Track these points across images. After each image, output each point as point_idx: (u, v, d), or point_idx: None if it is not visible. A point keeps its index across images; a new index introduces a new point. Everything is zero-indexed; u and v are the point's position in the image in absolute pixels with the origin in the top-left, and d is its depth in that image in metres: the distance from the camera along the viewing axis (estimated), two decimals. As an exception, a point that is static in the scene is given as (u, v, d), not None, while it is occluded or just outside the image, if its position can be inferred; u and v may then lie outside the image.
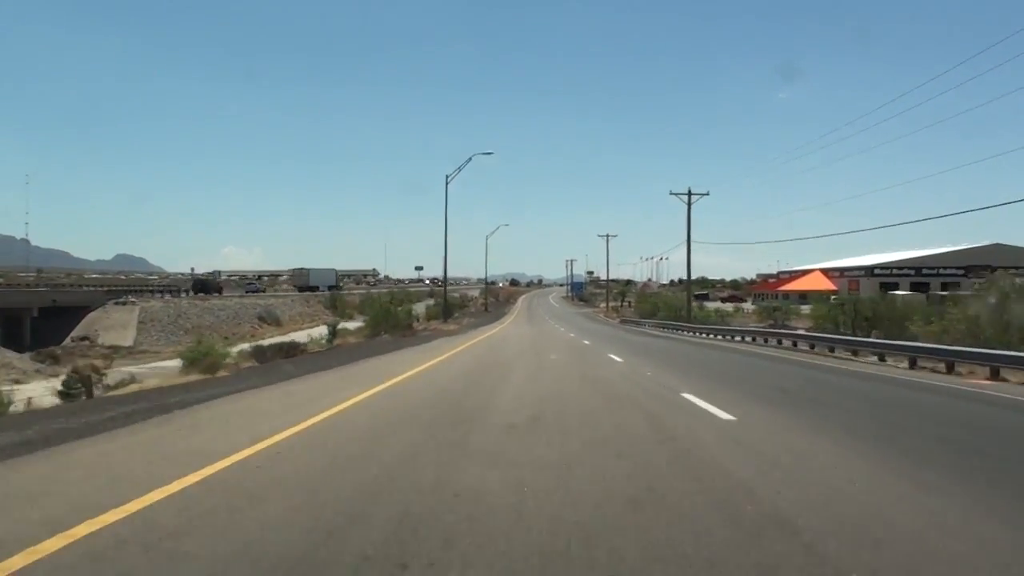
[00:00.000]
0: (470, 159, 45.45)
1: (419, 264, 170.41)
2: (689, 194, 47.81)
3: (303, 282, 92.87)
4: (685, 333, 44.83)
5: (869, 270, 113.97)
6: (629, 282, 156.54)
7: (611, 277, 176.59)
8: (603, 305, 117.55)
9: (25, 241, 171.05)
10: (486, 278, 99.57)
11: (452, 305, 73.00)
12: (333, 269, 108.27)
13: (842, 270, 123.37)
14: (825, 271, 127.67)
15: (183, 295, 65.21)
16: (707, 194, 47.48)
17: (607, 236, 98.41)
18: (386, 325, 39.12)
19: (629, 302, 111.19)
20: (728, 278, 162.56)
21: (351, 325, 45.79)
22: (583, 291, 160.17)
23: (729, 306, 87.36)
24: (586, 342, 29.52)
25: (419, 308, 69.86)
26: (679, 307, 55.11)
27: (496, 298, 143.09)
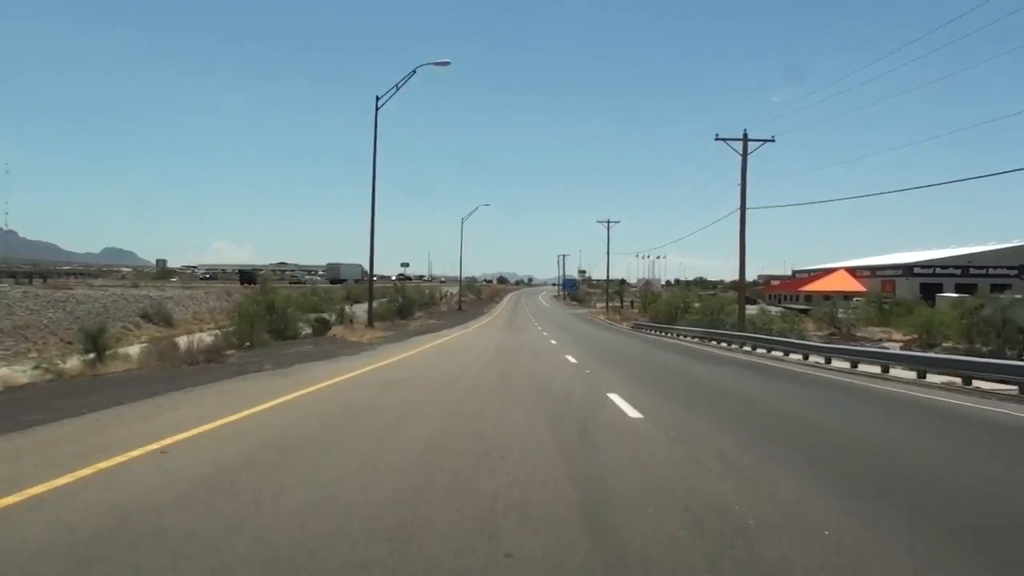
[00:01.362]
0: (414, 72, 29.71)
1: (405, 261, 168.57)
2: (745, 140, 31.93)
3: (335, 275, 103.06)
4: (745, 349, 28.89)
5: (908, 269, 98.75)
6: (623, 282, 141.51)
7: (600, 278, 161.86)
8: (600, 305, 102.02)
9: (11, 233, 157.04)
10: (460, 270, 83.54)
11: (411, 303, 57.21)
12: (359, 265, 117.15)
13: (873, 269, 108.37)
14: (851, 270, 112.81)
15: (27, 282, 48.81)
16: (772, 140, 31.75)
17: (608, 222, 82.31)
18: (258, 331, 23.07)
19: (631, 302, 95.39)
20: (727, 279, 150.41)
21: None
22: (576, 289, 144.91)
23: (753, 308, 71.67)
24: (631, 413, 9.55)
25: (362, 308, 54.13)
26: (717, 309, 39.61)
27: (478, 296, 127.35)
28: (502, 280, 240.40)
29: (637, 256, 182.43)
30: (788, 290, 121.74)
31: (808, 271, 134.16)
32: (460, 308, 77.41)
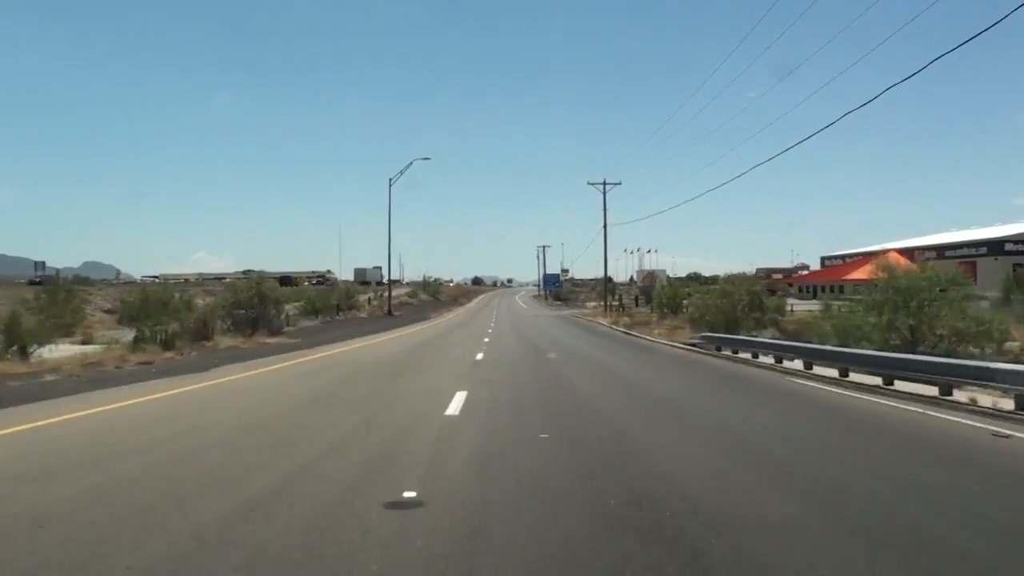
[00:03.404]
0: None
1: (377, 264, 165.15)
2: None
3: (361, 278, 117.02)
4: None
5: (995, 245, 75.51)
6: (610, 280, 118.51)
7: (583, 277, 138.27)
8: (593, 305, 78.20)
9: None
10: (389, 258, 58.97)
11: (276, 307, 33.02)
12: (379, 268, 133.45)
13: (939, 248, 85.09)
14: (904, 251, 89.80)
15: None
16: None
17: (604, 184, 58.12)
18: None
19: (635, 299, 71.37)
20: (722, 274, 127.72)
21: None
22: (559, 287, 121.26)
23: (801, 303, 49.03)
24: None
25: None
26: (930, 301, 15.83)
27: (434, 296, 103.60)
28: (477, 281, 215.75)
29: (625, 251, 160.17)
30: (821, 280, 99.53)
31: (841, 257, 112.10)
32: (390, 313, 53.15)
